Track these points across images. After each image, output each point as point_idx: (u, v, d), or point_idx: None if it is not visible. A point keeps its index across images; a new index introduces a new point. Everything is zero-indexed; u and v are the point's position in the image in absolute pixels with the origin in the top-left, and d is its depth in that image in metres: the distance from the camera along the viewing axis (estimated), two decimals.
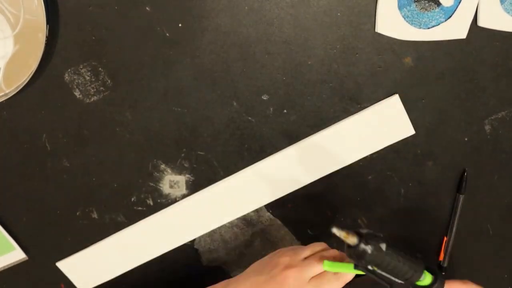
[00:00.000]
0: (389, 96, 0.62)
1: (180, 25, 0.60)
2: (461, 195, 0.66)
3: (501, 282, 0.71)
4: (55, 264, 0.69)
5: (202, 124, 0.63)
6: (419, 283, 0.48)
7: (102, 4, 0.59)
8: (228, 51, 0.61)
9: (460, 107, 0.63)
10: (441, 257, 0.69)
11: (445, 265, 0.69)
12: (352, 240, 0.46)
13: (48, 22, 0.58)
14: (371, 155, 0.65)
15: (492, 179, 0.67)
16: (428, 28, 0.59)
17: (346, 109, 0.63)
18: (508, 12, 0.59)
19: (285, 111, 0.63)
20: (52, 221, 0.68)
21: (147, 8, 0.59)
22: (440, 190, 0.67)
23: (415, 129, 0.64)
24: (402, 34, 0.60)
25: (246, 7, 0.59)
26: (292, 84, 0.62)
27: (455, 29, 0.59)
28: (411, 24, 0.59)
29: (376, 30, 0.60)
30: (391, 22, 0.59)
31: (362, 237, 0.46)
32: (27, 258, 0.69)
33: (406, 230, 0.68)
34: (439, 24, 0.59)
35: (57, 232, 0.68)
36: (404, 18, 0.59)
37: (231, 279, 0.59)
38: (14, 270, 0.69)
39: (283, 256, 0.56)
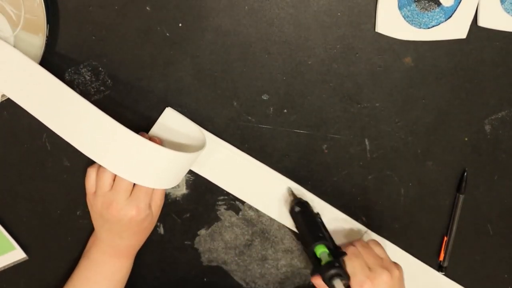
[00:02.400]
0: (389, 96, 0.63)
1: (180, 25, 0.60)
2: (461, 195, 0.66)
3: (501, 282, 0.71)
4: (55, 264, 0.69)
5: (202, 124, 0.63)
6: (318, 251, 0.59)
7: (102, 4, 0.59)
8: (228, 51, 0.61)
9: (460, 107, 0.64)
10: (441, 257, 0.69)
11: (445, 265, 0.69)
12: (290, 198, 0.65)
13: (48, 22, 0.58)
14: (371, 155, 0.65)
15: (492, 179, 0.67)
16: (428, 28, 0.59)
17: (346, 109, 0.63)
18: (508, 12, 0.59)
19: (285, 111, 0.63)
20: (52, 221, 0.68)
21: (147, 8, 0.59)
22: (440, 190, 0.67)
23: (415, 128, 0.64)
24: (402, 34, 0.60)
25: (246, 7, 0.59)
26: (292, 84, 0.62)
27: (455, 29, 0.59)
28: (411, 24, 0.59)
29: (376, 30, 0.60)
30: (391, 22, 0.59)
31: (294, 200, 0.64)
32: (27, 258, 0.69)
33: (406, 230, 0.68)
34: (439, 24, 0.59)
35: (57, 232, 0.68)
36: (404, 18, 0.59)
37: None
38: (14, 270, 0.69)
39: (97, 204, 0.60)
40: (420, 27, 0.59)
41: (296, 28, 0.60)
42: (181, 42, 0.60)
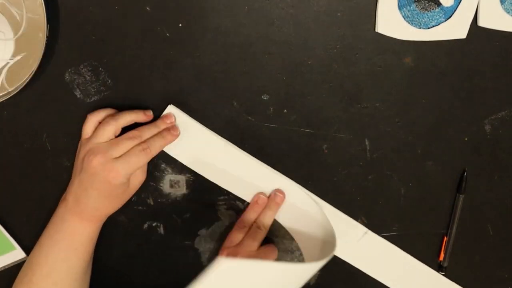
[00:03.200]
0: (389, 96, 0.63)
1: (180, 25, 0.60)
2: (461, 195, 0.66)
3: (501, 282, 0.71)
4: None
5: (202, 124, 0.63)
6: None
7: (102, 4, 0.59)
8: (228, 51, 0.61)
9: (460, 107, 0.64)
10: (441, 257, 0.69)
11: (445, 265, 0.69)
12: None
13: (48, 22, 0.58)
14: (371, 155, 0.65)
15: (492, 179, 0.67)
16: (428, 28, 0.59)
17: (346, 109, 0.63)
18: (508, 12, 0.59)
19: (285, 111, 0.63)
20: None
21: (147, 8, 0.59)
22: (440, 190, 0.67)
23: (415, 128, 0.64)
24: (402, 34, 0.60)
25: (246, 7, 0.59)
26: (292, 84, 0.62)
27: (455, 29, 0.59)
28: (411, 24, 0.59)
29: (376, 30, 0.60)
30: (391, 22, 0.59)
31: None
32: (27, 258, 0.69)
33: (406, 230, 0.68)
34: (439, 24, 0.59)
35: None
36: (404, 18, 0.59)
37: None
38: (14, 270, 0.69)
39: (85, 148, 0.59)
40: (420, 27, 0.59)
41: (296, 28, 0.60)
42: (181, 42, 0.60)
